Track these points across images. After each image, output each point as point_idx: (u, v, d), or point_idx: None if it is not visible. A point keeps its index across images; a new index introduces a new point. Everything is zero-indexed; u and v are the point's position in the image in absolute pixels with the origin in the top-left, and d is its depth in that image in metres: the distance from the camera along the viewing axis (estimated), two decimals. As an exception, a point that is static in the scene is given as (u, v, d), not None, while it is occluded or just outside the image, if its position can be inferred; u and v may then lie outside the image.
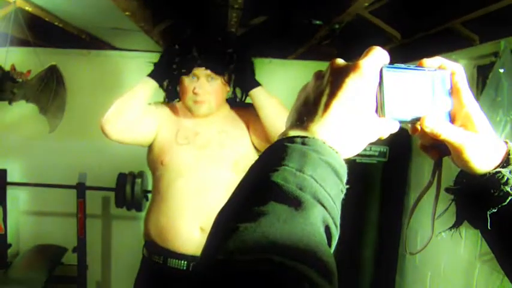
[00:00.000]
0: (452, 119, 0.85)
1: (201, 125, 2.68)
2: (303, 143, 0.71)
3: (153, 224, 2.66)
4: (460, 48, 3.13)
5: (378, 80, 0.79)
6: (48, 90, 3.74)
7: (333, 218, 0.68)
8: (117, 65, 4.24)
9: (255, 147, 2.67)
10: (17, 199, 4.46)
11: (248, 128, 2.70)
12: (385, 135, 0.81)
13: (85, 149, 4.27)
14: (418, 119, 0.82)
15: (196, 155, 2.62)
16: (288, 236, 0.61)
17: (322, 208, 0.66)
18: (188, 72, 2.61)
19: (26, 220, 4.55)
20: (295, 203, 0.64)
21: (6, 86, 3.47)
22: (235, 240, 0.61)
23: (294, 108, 0.82)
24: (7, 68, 3.48)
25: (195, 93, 2.59)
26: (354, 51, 3.28)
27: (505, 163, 0.85)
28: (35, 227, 4.53)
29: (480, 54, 3.01)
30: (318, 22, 2.92)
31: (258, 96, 2.64)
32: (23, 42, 3.35)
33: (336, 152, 0.73)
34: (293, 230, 0.62)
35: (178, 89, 2.75)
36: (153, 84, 2.63)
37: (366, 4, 2.42)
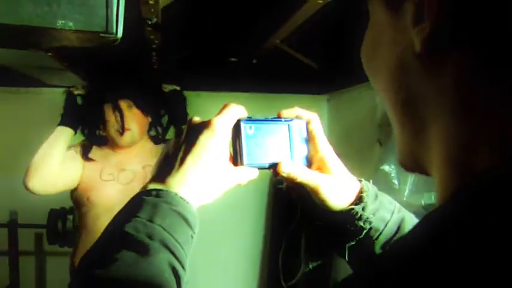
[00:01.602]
0: (309, 164, 0.95)
1: (125, 161, 2.73)
2: (157, 195, 0.82)
3: (79, 258, 2.67)
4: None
5: (233, 134, 0.90)
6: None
7: (180, 262, 0.78)
8: (47, 102, 4.23)
9: None
10: None
11: None
12: (243, 181, 0.91)
13: (16, 186, 4.23)
14: (276, 165, 0.92)
15: (122, 190, 2.67)
16: (132, 278, 0.71)
17: (168, 253, 0.77)
18: (102, 104, 2.66)
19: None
20: (142, 250, 0.74)
21: None
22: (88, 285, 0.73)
23: (156, 162, 0.92)
24: None
25: (117, 122, 2.65)
26: (278, 80, 3.37)
27: (358, 200, 0.95)
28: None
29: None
30: (233, 59, 3.00)
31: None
32: None
33: (187, 203, 0.83)
34: (137, 273, 0.72)
35: (98, 132, 2.79)
36: (68, 131, 2.67)
37: (278, 41, 2.52)
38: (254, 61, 2.97)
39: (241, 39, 2.68)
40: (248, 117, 0.93)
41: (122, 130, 2.67)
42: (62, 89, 4.17)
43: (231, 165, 0.92)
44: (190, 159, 0.86)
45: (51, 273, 4.58)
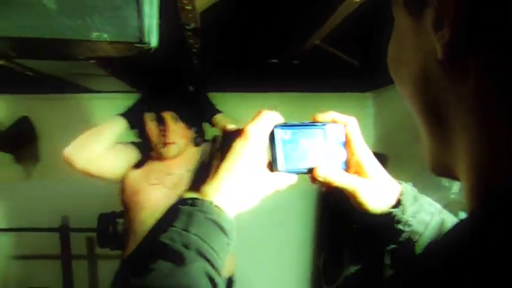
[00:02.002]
0: (347, 168, 0.94)
1: (171, 166, 2.75)
2: (192, 204, 0.83)
3: (128, 262, 2.71)
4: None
5: (269, 140, 0.91)
6: (21, 140, 3.84)
7: (216, 270, 0.79)
8: (93, 107, 4.31)
9: None
10: (3, 244, 4.49)
11: None
12: (281, 187, 0.91)
13: (66, 191, 4.32)
14: (312, 170, 0.91)
15: (168, 194, 2.70)
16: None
17: (205, 262, 0.77)
18: (153, 112, 2.69)
19: (12, 264, 4.56)
20: (178, 259, 0.75)
21: (-21, 139, 3.58)
22: None
23: (193, 171, 0.93)
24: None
25: (162, 136, 2.67)
26: (321, 79, 3.36)
27: (397, 203, 0.94)
28: (21, 271, 4.53)
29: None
30: (274, 61, 3.00)
31: (220, 122, 2.73)
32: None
33: (222, 211, 0.84)
34: (173, 282, 0.73)
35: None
36: (122, 123, 2.70)
37: (318, 41, 2.51)
38: (295, 62, 2.96)
39: (281, 40, 2.68)
40: (283, 123, 0.93)
41: (165, 143, 2.69)
42: (108, 94, 4.27)
43: (268, 171, 0.92)
44: (225, 167, 0.87)
45: (103, 276, 4.65)
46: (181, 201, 0.86)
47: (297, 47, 2.71)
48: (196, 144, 2.89)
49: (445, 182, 2.94)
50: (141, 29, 0.99)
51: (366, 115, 4.47)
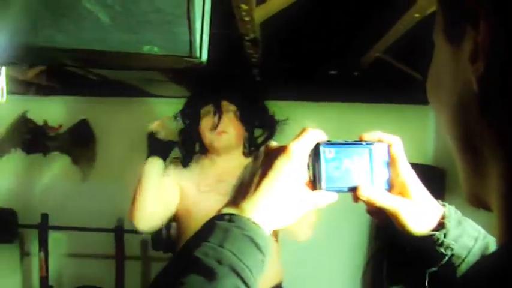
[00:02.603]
0: (390, 188, 0.93)
1: (223, 172, 2.76)
2: (229, 220, 0.82)
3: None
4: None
5: (313, 158, 0.90)
6: (79, 142, 3.94)
7: (248, 286, 0.77)
8: (152, 111, 4.36)
9: None
10: (59, 243, 4.59)
11: None
12: (322, 205, 0.90)
13: (122, 193, 4.38)
14: (355, 189, 0.90)
15: (220, 200, 2.68)
16: None
17: (237, 278, 0.76)
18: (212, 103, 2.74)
19: (67, 263, 4.66)
20: (210, 274, 0.75)
21: (39, 139, 3.68)
22: None
23: (233, 186, 0.92)
24: (40, 122, 3.68)
25: (216, 126, 2.70)
26: (382, 91, 3.33)
27: (439, 226, 0.92)
28: (75, 269, 4.63)
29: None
30: (333, 72, 2.99)
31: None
32: (56, 92, 3.49)
33: (259, 227, 0.83)
34: None
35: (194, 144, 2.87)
36: (158, 161, 2.72)
37: (379, 53, 2.49)
38: (355, 73, 2.95)
39: (342, 52, 2.67)
40: (328, 141, 0.93)
41: (218, 132, 2.72)
42: (167, 99, 4.33)
43: (309, 189, 0.91)
44: (265, 184, 0.87)
45: (156, 278, 4.71)
46: (219, 217, 0.85)
47: (356, 59, 2.70)
48: (247, 155, 2.90)
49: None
50: (191, 44, 1.00)
51: (426, 128, 4.40)
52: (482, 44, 0.47)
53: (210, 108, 2.76)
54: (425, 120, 4.38)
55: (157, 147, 2.75)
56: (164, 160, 2.76)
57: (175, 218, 2.94)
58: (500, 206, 0.51)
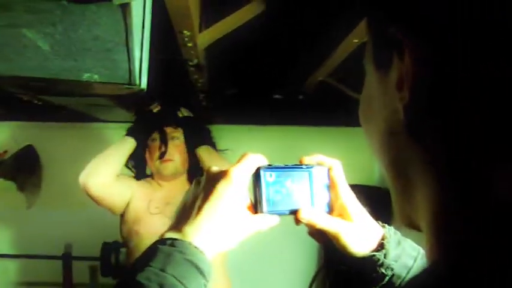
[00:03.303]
0: (331, 210, 0.96)
1: (170, 195, 2.78)
2: (171, 245, 0.84)
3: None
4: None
5: (253, 182, 0.93)
6: (24, 169, 3.89)
7: None
8: (98, 136, 4.34)
9: None
10: (6, 270, 4.50)
11: None
12: (263, 228, 0.92)
13: (70, 219, 4.34)
14: (296, 212, 0.93)
15: (168, 223, 2.70)
16: None
17: None
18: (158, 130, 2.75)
19: (15, 291, 4.58)
20: None
21: (-17, 165, 3.63)
22: None
23: (176, 211, 0.94)
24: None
25: (162, 153, 2.72)
26: (325, 115, 3.37)
27: (379, 247, 0.95)
28: (25, 298, 4.55)
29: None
30: (277, 96, 3.03)
31: (203, 154, 2.77)
32: (0, 116, 3.45)
33: (201, 252, 0.85)
34: None
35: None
36: (131, 142, 2.74)
37: (321, 77, 2.54)
38: (300, 97, 2.99)
39: (286, 76, 2.71)
40: (268, 165, 0.94)
41: (164, 160, 2.74)
42: (114, 124, 4.31)
43: (250, 213, 0.93)
44: (207, 208, 0.88)
45: (105, 305, 4.65)
46: (161, 241, 0.86)
47: (300, 83, 2.74)
48: (191, 179, 2.93)
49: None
50: (130, 71, 1.01)
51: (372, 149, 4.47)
52: (407, 73, 0.48)
53: (156, 135, 2.79)
54: (371, 142, 4.46)
55: (141, 122, 2.84)
56: (136, 143, 2.80)
57: (124, 242, 2.93)
58: (428, 227, 0.53)
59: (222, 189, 0.89)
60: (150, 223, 2.74)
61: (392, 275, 0.94)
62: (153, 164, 2.80)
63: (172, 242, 0.85)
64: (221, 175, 0.91)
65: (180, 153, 2.80)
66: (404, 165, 0.55)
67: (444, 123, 0.48)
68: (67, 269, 4.14)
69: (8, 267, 4.53)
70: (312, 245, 4.43)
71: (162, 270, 0.80)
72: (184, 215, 0.91)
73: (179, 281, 0.80)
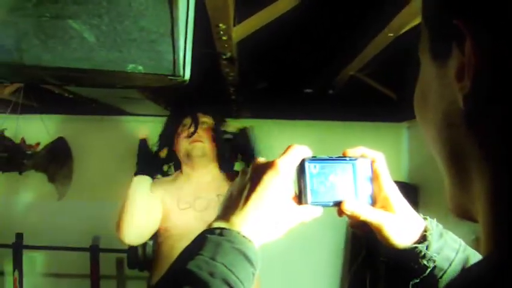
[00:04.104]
0: (373, 202, 0.96)
1: (200, 189, 2.80)
2: (220, 234, 0.84)
3: (155, 284, 2.73)
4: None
5: (299, 173, 0.93)
6: (56, 160, 3.94)
7: None
8: (128, 129, 4.37)
9: None
10: (34, 262, 4.55)
11: None
12: (306, 219, 0.93)
13: (98, 212, 4.37)
14: (339, 203, 0.93)
15: (198, 217, 2.73)
16: None
17: None
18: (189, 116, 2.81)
19: (42, 282, 4.62)
20: (204, 287, 0.76)
21: (16, 157, 3.67)
22: None
23: (222, 201, 0.95)
24: (17, 140, 3.68)
25: (190, 134, 2.75)
26: (355, 109, 3.38)
27: (422, 239, 0.95)
28: (51, 288, 4.60)
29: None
30: (308, 91, 3.03)
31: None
32: (32, 110, 3.48)
33: (249, 241, 0.85)
34: None
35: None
36: (146, 179, 2.77)
37: (353, 72, 2.53)
38: (330, 91, 2.98)
39: (317, 70, 2.70)
40: (313, 157, 0.95)
41: (192, 141, 2.76)
42: (143, 118, 4.34)
43: (295, 204, 0.93)
44: (254, 199, 0.89)
45: (131, 297, 4.69)
46: (209, 231, 0.87)
47: (331, 78, 2.74)
48: (225, 171, 2.94)
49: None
50: (175, 62, 1.02)
51: (399, 145, 4.46)
52: (469, 63, 0.48)
53: (187, 121, 2.81)
54: (399, 138, 4.45)
55: (147, 158, 2.83)
56: (151, 177, 2.79)
57: (152, 236, 2.95)
58: (485, 218, 0.52)
59: (269, 180, 0.89)
60: (180, 218, 2.76)
61: (434, 267, 0.94)
62: (182, 146, 2.81)
63: (221, 231, 0.85)
64: (268, 166, 0.91)
65: (209, 138, 2.82)
66: (462, 157, 0.55)
67: (504, 114, 0.48)
68: (94, 261, 4.18)
69: (36, 259, 4.59)
70: (341, 239, 4.44)
71: (212, 258, 0.80)
72: (231, 205, 0.92)
73: (229, 269, 0.80)
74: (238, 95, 3.11)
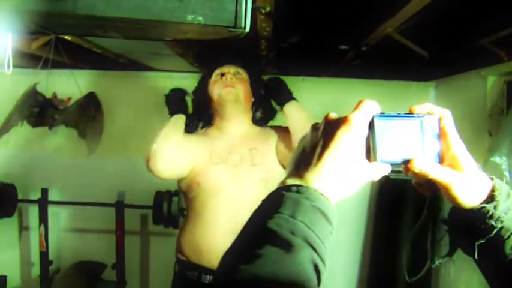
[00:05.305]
0: (441, 160, 0.92)
1: (233, 143, 2.76)
2: (297, 191, 0.81)
3: (187, 241, 2.74)
4: (489, 65, 3.16)
5: (367, 130, 0.89)
6: (87, 116, 3.93)
7: (321, 257, 0.77)
8: (154, 85, 4.34)
9: (281, 163, 2.75)
10: (58, 217, 4.58)
11: (275, 145, 2.78)
12: (376, 177, 0.90)
13: (124, 168, 4.38)
14: (408, 161, 0.89)
15: (230, 172, 2.71)
16: (277, 274, 0.72)
17: (311, 249, 0.76)
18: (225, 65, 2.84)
19: (66, 237, 4.67)
20: (286, 245, 0.74)
21: (47, 112, 3.67)
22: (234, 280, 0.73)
23: (292, 157, 0.92)
24: (48, 95, 3.66)
25: (225, 79, 2.73)
26: (386, 67, 3.34)
27: (489, 199, 0.92)
28: (75, 244, 4.63)
29: (509, 71, 3.04)
30: (343, 47, 2.98)
31: (292, 109, 2.75)
32: (62, 65, 3.46)
33: (326, 199, 0.83)
34: (282, 269, 0.72)
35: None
36: (182, 118, 2.76)
37: (390, 29, 2.47)
38: (363, 48, 2.93)
39: (352, 27, 2.65)
40: (381, 113, 0.91)
41: (226, 86, 2.75)
42: (171, 74, 4.32)
43: (366, 161, 0.90)
44: (328, 155, 0.86)
45: (155, 252, 4.72)
46: (285, 188, 0.84)
47: (367, 35, 2.68)
48: (259, 125, 2.91)
49: (508, 177, 2.87)
50: (237, 13, 0.97)
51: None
52: None
53: (220, 71, 2.79)
54: (426, 97, 4.40)
55: (177, 104, 2.84)
56: (186, 116, 2.84)
57: (180, 191, 2.94)
58: None
59: (342, 136, 0.86)
60: (211, 173, 2.73)
61: (501, 227, 0.91)
62: (215, 92, 2.78)
63: (298, 188, 0.82)
64: (341, 121, 0.88)
65: (243, 86, 2.79)
66: None
67: None
68: (119, 217, 4.19)
69: (62, 214, 4.63)
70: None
71: (292, 216, 0.78)
72: (304, 161, 0.89)
73: (309, 227, 0.78)
74: (270, 50, 3.07)
